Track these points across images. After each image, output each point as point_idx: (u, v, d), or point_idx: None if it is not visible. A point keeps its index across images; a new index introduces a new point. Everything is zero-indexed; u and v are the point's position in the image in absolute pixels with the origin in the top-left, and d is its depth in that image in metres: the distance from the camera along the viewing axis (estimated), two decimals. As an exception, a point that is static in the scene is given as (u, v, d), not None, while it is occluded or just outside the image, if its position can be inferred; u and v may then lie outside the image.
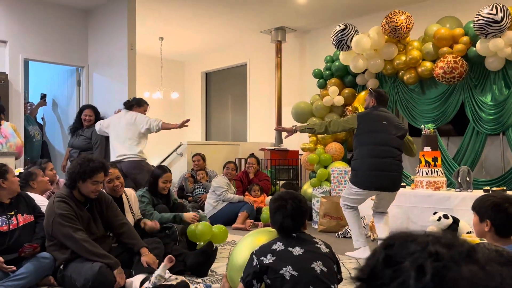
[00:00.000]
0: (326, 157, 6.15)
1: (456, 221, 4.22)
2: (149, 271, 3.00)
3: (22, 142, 4.75)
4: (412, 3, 6.37)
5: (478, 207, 2.03)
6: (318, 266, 1.98)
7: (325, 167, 6.15)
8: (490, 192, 4.42)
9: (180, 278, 2.85)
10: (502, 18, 4.75)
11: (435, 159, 4.79)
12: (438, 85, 5.65)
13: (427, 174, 4.77)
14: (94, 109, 5.96)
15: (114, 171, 3.58)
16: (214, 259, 3.49)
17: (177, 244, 3.63)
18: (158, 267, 3.08)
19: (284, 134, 4.71)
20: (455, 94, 5.54)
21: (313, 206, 5.68)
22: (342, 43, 5.91)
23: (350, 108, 6.36)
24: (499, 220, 1.93)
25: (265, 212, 5.56)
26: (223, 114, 9.64)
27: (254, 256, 2.04)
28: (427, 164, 4.80)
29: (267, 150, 7.14)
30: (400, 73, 5.88)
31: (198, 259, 3.33)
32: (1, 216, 3.10)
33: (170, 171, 4.16)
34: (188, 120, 5.12)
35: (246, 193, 6.18)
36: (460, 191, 4.58)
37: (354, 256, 3.98)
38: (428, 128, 5.00)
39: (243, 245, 2.42)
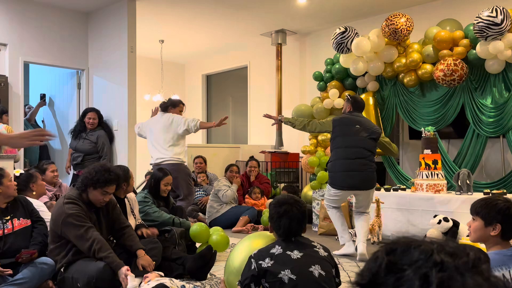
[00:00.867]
0: (326, 160, 6.13)
1: (456, 224, 4.21)
2: (145, 273, 3.01)
3: None
4: (412, 5, 6.37)
5: (486, 212, 1.99)
6: (316, 270, 1.98)
7: (326, 169, 6.14)
8: (491, 195, 4.41)
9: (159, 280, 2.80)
10: (502, 21, 4.74)
11: (435, 162, 4.77)
12: (438, 87, 5.64)
13: (427, 176, 4.76)
14: (97, 112, 5.96)
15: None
16: (213, 262, 3.49)
17: (176, 248, 3.62)
18: (153, 270, 3.08)
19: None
20: (455, 96, 5.53)
21: (313, 209, 5.67)
22: (342, 45, 5.91)
23: (350, 110, 6.35)
24: (509, 224, 1.92)
25: (266, 215, 5.55)
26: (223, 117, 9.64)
27: (252, 260, 2.03)
28: (427, 166, 4.78)
29: (267, 153, 7.13)
30: (400, 76, 5.87)
31: (197, 263, 3.33)
32: None
33: (171, 174, 4.17)
34: (226, 118, 5.07)
35: (247, 196, 6.18)
36: (460, 194, 4.57)
37: (341, 254, 4.13)
38: (428, 131, 4.99)
39: (240, 249, 2.41)
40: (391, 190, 4.97)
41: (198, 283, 3.22)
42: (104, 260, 2.90)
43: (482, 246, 2.05)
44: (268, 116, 4.79)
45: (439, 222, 4.21)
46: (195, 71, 9.96)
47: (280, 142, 7.49)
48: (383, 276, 0.64)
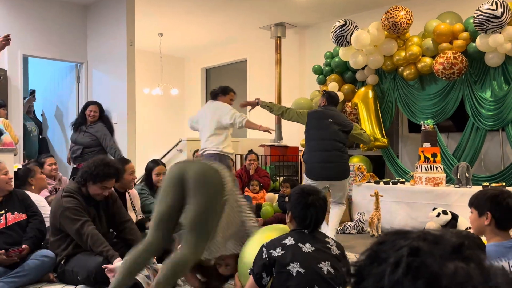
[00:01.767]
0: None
1: (455, 217, 4.23)
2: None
3: (16, 138, 4.70)
4: (412, -2, 6.35)
5: (477, 201, 2.02)
6: (325, 267, 1.95)
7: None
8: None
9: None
10: (502, 14, 4.73)
11: (434, 155, 4.78)
12: (437, 81, 5.64)
13: (426, 170, 4.77)
14: (99, 106, 5.96)
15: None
16: (213, 255, 3.50)
17: (176, 241, 3.64)
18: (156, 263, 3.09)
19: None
20: (455, 90, 5.53)
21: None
22: (342, 39, 5.90)
23: (350, 104, 6.35)
24: (499, 212, 1.92)
25: (265, 208, 5.56)
26: (223, 110, 9.63)
27: (264, 249, 2.02)
28: (426, 160, 4.79)
29: (266, 147, 7.13)
30: (400, 69, 5.86)
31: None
32: None
33: (164, 165, 4.18)
34: (271, 129, 4.83)
35: (246, 189, 6.18)
36: (459, 187, 4.59)
37: None
38: (427, 124, 4.99)
39: (252, 242, 2.39)
40: (390, 183, 4.98)
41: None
42: (99, 254, 2.91)
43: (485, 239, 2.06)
44: (245, 103, 4.79)
45: (438, 215, 4.23)
46: (194, 65, 9.94)
47: (279, 135, 7.49)
48: (368, 264, 0.66)
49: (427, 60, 5.53)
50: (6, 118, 5.19)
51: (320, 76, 6.72)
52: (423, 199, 4.65)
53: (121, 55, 6.09)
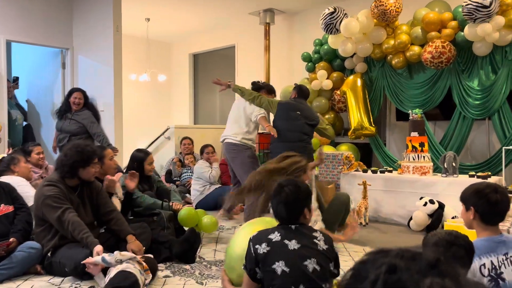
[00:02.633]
0: (314, 141, 6.14)
1: (442, 206, 4.27)
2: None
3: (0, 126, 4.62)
4: (402, -14, 6.31)
5: (463, 196, 2.04)
6: (311, 264, 1.92)
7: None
8: (476, 177, 4.48)
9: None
10: (491, 3, 4.73)
11: (422, 145, 4.81)
12: (426, 69, 5.65)
13: (413, 159, 4.80)
14: (83, 93, 5.86)
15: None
16: (198, 245, 3.51)
17: (164, 231, 3.62)
18: (144, 254, 3.08)
19: (218, 87, 4.77)
20: (443, 78, 5.55)
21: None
22: (331, 26, 5.87)
23: (338, 92, 6.34)
24: (482, 207, 1.93)
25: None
26: (211, 97, 9.56)
27: (251, 243, 2.01)
28: (414, 149, 4.82)
29: (255, 134, 7.10)
30: (389, 57, 5.86)
31: (182, 247, 3.34)
32: None
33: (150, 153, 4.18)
34: (275, 132, 4.54)
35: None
36: (446, 177, 4.63)
37: None
38: (415, 114, 5.01)
39: (239, 237, 2.36)
40: (378, 172, 5.01)
41: (187, 266, 3.23)
42: (80, 241, 2.89)
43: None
44: (217, 81, 4.75)
45: (425, 204, 4.27)
46: (182, 51, 9.82)
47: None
48: (352, 284, 0.70)
49: (416, 48, 5.53)
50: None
51: (309, 64, 6.69)
52: (411, 188, 4.69)
53: (107, 41, 5.99)
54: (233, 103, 5.03)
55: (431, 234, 1.79)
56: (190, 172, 6.41)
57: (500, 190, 1.94)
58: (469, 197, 1.99)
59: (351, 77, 6.19)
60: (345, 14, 5.84)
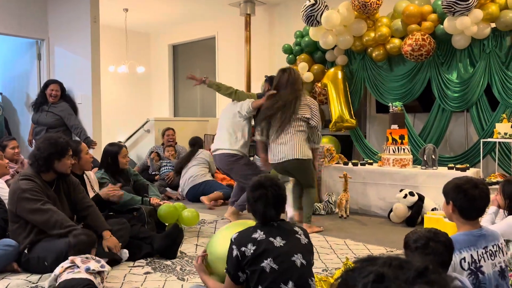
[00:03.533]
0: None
1: (421, 198, 4.32)
2: (111, 255, 2.96)
3: None
4: (382, -22, 6.31)
5: (444, 190, 2.06)
6: (298, 259, 1.93)
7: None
8: (455, 169, 4.54)
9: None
10: (470, -3, 4.77)
11: (402, 137, 4.85)
12: (406, 62, 5.69)
13: (394, 151, 4.84)
14: (60, 85, 5.74)
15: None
16: (181, 240, 3.47)
17: (145, 226, 3.57)
18: (121, 250, 3.03)
19: (193, 82, 4.75)
20: (422, 71, 5.60)
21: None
22: (312, 18, 5.84)
23: (319, 84, 6.34)
24: (460, 201, 1.96)
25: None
26: (191, 89, 9.46)
27: (234, 246, 1.94)
28: (394, 141, 4.86)
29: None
30: (369, 50, 5.88)
31: (165, 242, 3.29)
32: None
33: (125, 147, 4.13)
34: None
35: (216, 170, 6.11)
36: (426, 169, 4.68)
37: None
38: (395, 106, 5.05)
39: (220, 238, 2.31)
40: (359, 164, 5.03)
41: (168, 262, 3.20)
42: (69, 232, 2.81)
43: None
44: (191, 77, 4.74)
45: (405, 196, 4.31)
46: (161, 41, 9.68)
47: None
48: None
49: (396, 41, 5.56)
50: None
51: (290, 56, 6.67)
52: (391, 180, 4.73)
53: (84, 32, 5.86)
54: (222, 110, 4.89)
55: (412, 232, 1.81)
56: (170, 165, 6.33)
57: (480, 186, 1.96)
58: (449, 191, 2.01)
59: (332, 70, 6.19)
60: (326, 6, 5.82)
